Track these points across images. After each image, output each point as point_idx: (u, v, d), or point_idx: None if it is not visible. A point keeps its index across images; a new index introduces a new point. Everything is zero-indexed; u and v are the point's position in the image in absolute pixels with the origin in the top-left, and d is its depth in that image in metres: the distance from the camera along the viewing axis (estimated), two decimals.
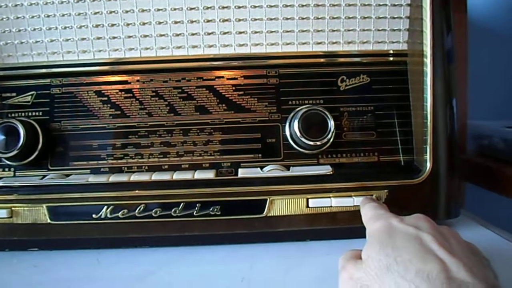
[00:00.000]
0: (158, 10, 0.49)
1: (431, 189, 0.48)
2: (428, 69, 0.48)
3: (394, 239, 0.33)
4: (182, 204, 0.46)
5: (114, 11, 0.49)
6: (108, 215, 0.46)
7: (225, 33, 0.50)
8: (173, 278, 0.43)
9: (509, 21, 0.96)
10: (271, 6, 0.50)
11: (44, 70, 0.51)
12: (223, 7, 0.50)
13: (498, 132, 0.67)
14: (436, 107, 0.48)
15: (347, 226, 0.48)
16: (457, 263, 0.29)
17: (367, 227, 0.38)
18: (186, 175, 0.47)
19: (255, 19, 0.50)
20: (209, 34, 0.50)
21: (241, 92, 0.51)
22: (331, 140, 0.48)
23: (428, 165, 0.48)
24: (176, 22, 0.50)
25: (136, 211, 0.46)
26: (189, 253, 0.47)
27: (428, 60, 0.48)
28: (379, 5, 0.51)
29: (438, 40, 0.48)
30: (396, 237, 0.33)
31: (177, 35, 0.50)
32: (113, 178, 0.47)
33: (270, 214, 0.47)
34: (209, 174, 0.47)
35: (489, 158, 0.68)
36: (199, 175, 0.47)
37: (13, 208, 0.47)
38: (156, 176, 0.47)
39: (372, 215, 0.39)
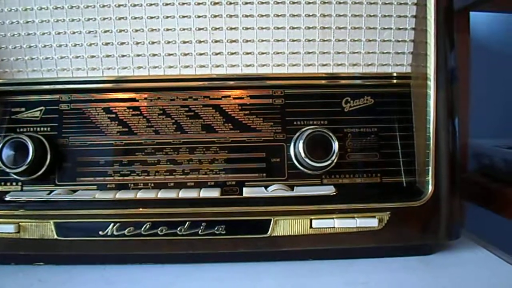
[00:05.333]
0: (168, 30, 0.50)
1: (432, 211, 0.49)
2: (432, 91, 0.49)
3: None
4: (188, 223, 0.47)
5: (123, 30, 0.50)
6: (115, 232, 0.46)
7: (232, 54, 0.51)
8: None
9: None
10: (278, 28, 0.51)
11: (53, 86, 0.51)
12: (231, 28, 0.50)
13: (499, 152, 0.68)
14: (439, 129, 0.49)
15: (349, 247, 0.49)
16: None
17: None
18: (192, 194, 0.47)
19: (262, 40, 0.51)
20: (216, 54, 0.51)
21: (247, 112, 0.52)
22: (335, 161, 0.49)
23: (430, 187, 0.48)
24: (184, 42, 0.51)
25: (142, 229, 0.47)
26: (195, 271, 0.48)
27: (431, 83, 0.49)
28: (384, 28, 0.52)
29: (441, 64, 0.49)
30: None
31: (185, 54, 0.51)
32: (120, 195, 0.47)
33: (274, 234, 0.47)
34: (214, 193, 0.48)
35: (490, 178, 0.68)
36: (204, 193, 0.48)
37: (20, 224, 0.47)
38: (162, 194, 0.47)
39: None
